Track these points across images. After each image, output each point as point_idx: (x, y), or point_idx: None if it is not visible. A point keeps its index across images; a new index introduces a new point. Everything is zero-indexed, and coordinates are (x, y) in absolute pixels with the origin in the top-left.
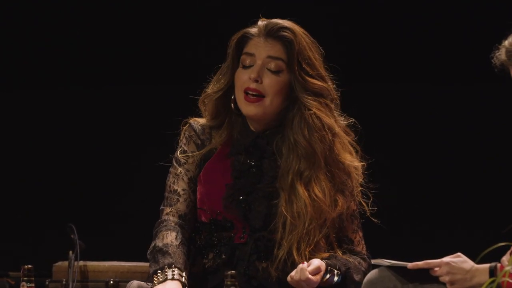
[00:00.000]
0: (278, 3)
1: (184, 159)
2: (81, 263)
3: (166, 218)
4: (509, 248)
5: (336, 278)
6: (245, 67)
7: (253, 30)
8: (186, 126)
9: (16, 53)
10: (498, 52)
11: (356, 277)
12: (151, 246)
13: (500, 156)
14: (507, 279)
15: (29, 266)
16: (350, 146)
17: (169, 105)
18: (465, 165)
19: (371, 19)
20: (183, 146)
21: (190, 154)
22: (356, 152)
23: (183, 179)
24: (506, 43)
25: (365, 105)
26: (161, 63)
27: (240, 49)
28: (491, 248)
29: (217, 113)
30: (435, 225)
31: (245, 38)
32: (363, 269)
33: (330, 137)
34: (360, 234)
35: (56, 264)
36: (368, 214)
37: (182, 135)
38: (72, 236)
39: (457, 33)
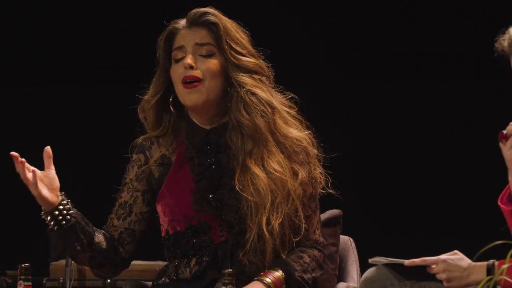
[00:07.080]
0: (275, 3)
1: (130, 185)
2: None
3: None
4: (505, 247)
5: None
6: (177, 61)
7: (177, 24)
8: (132, 147)
9: (14, 52)
10: (502, 37)
11: (305, 277)
12: None
13: (499, 154)
14: (505, 277)
15: (26, 264)
16: (292, 119)
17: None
18: (463, 163)
19: (370, 18)
20: (129, 168)
21: (134, 178)
22: (301, 122)
23: (129, 201)
24: (511, 30)
25: (364, 104)
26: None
27: (169, 47)
28: (488, 246)
29: (158, 121)
30: (433, 223)
31: (172, 35)
32: (311, 267)
33: (270, 111)
34: (316, 219)
35: (54, 262)
36: (326, 189)
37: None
38: None
39: (456, 32)
